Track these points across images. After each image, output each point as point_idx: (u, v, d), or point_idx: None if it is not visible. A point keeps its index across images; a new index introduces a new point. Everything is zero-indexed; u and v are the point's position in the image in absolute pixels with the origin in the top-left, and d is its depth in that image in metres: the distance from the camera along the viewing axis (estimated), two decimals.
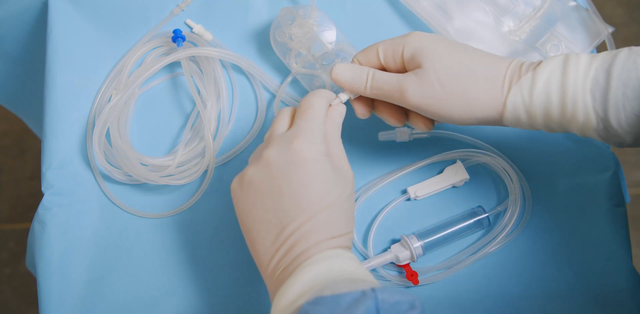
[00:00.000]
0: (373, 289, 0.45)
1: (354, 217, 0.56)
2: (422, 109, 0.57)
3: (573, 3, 0.71)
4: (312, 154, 0.54)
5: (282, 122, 0.58)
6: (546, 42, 0.70)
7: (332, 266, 0.51)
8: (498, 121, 0.56)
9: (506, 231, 0.67)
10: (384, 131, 0.69)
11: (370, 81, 0.58)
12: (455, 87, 0.55)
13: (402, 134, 0.69)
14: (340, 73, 0.59)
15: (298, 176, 0.53)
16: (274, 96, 0.72)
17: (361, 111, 0.62)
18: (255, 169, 0.55)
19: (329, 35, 0.69)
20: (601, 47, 0.71)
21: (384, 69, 0.59)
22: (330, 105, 0.59)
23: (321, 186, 0.53)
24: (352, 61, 0.61)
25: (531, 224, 0.68)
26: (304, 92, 0.72)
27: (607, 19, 0.70)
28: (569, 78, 0.52)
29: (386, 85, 0.57)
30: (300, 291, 0.49)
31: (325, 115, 0.58)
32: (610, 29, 0.70)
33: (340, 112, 0.59)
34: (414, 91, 0.56)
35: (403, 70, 0.58)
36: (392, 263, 0.67)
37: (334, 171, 0.55)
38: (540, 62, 0.54)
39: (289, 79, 0.71)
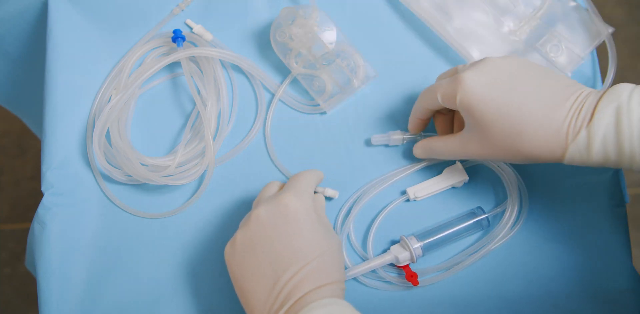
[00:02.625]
0: None
1: (344, 269, 0.59)
2: (483, 159, 0.64)
3: (573, 3, 0.71)
4: (300, 205, 0.58)
5: (270, 189, 0.63)
6: (546, 43, 0.70)
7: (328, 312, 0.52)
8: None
9: (505, 231, 0.67)
10: (377, 135, 0.69)
11: (440, 153, 0.65)
12: (514, 150, 0.57)
13: (395, 140, 0.69)
14: (418, 154, 0.68)
15: (289, 227, 0.57)
16: (273, 96, 0.72)
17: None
18: (246, 229, 0.58)
19: (330, 36, 0.69)
20: (601, 47, 0.71)
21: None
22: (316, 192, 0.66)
23: (312, 235, 0.57)
24: (415, 109, 0.66)
25: (531, 225, 0.68)
26: (304, 92, 0.72)
27: (607, 19, 0.70)
28: (624, 137, 0.52)
29: (452, 152, 0.63)
30: None
31: (314, 182, 0.63)
32: (610, 30, 0.70)
33: (321, 198, 0.65)
34: (475, 152, 0.60)
35: None
36: (391, 264, 0.67)
37: (322, 224, 0.59)
38: (592, 115, 0.54)
39: (289, 79, 0.71)
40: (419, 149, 0.67)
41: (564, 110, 0.55)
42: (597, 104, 0.54)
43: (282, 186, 0.63)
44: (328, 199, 0.69)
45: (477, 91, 0.57)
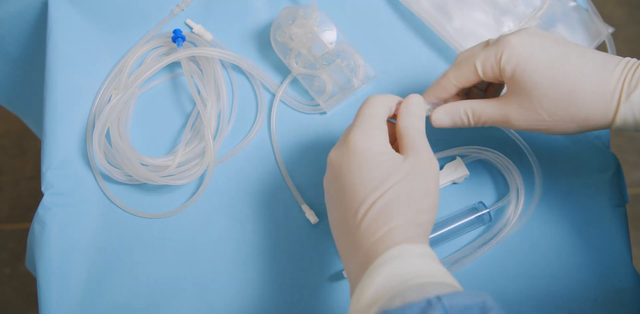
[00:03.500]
0: (439, 298, 0.43)
1: (428, 210, 0.53)
2: (526, 130, 0.58)
3: (573, 3, 0.71)
4: (364, 144, 0.53)
5: (373, 109, 0.56)
6: None
7: (402, 267, 0.48)
8: (602, 129, 0.56)
9: (510, 225, 0.67)
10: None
11: (471, 118, 0.59)
12: (563, 115, 0.55)
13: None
14: (439, 122, 0.59)
15: (357, 169, 0.53)
16: (274, 96, 0.72)
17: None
18: (327, 169, 0.56)
19: (330, 36, 0.69)
20: (601, 47, 0.71)
21: (482, 81, 0.59)
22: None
23: (378, 174, 0.52)
24: (444, 79, 0.59)
25: (531, 224, 0.68)
26: (304, 92, 0.72)
27: (607, 19, 0.70)
28: None
29: (489, 118, 0.58)
30: (372, 299, 0.47)
31: (385, 109, 0.56)
32: (610, 30, 0.70)
33: (415, 102, 0.57)
34: (518, 120, 0.56)
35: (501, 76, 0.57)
36: None
37: (396, 160, 0.53)
38: None
39: (289, 79, 0.71)
40: (443, 114, 0.59)
41: (616, 73, 0.53)
42: None
43: (391, 102, 0.57)
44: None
45: (528, 52, 0.54)
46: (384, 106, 0.56)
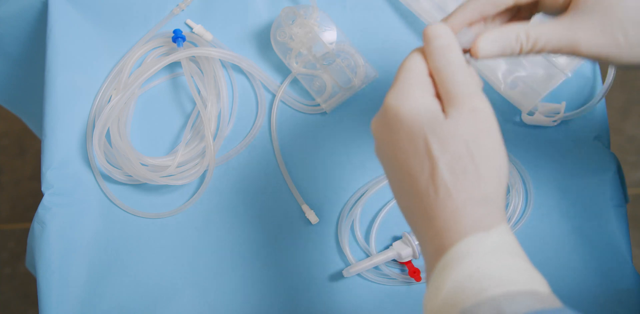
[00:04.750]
0: None
1: (493, 175, 0.43)
2: (595, 58, 0.48)
3: None
4: (399, 107, 0.44)
5: (410, 68, 0.46)
6: None
7: (471, 272, 0.41)
8: None
9: (510, 225, 0.66)
10: None
11: (529, 44, 0.47)
12: None
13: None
14: (486, 52, 0.47)
15: (396, 138, 0.45)
16: (274, 96, 0.72)
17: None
18: (375, 139, 0.48)
19: (330, 36, 0.69)
20: None
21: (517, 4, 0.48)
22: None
23: (419, 142, 0.44)
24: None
25: (531, 224, 0.68)
26: (304, 93, 0.72)
27: None
28: None
29: (549, 42, 0.47)
30: (445, 304, 0.41)
31: (420, 74, 0.46)
32: None
33: (436, 34, 0.45)
34: (589, 45, 0.46)
35: None
36: (394, 260, 0.67)
37: (439, 120, 0.44)
38: None
39: (289, 79, 0.71)
40: (490, 41, 0.46)
41: None
42: None
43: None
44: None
45: None
46: (421, 57, 0.46)
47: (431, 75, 0.46)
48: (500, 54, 0.47)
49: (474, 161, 0.43)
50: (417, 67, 0.45)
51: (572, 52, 0.47)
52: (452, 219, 0.43)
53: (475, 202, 0.43)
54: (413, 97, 0.44)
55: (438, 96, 0.46)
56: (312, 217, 0.68)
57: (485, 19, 0.50)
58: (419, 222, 0.45)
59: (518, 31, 0.46)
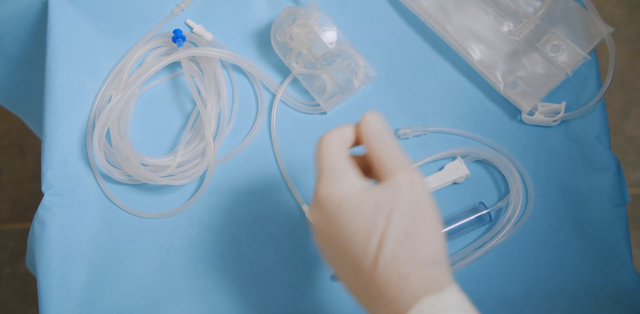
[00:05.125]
0: None
1: (434, 238, 0.46)
2: None
3: (573, 3, 0.71)
4: (334, 198, 0.47)
5: (331, 159, 0.50)
6: (546, 43, 0.70)
7: None
8: None
9: (510, 225, 0.67)
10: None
11: None
12: None
13: (405, 134, 0.69)
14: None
15: (334, 225, 0.47)
16: (274, 96, 0.72)
17: None
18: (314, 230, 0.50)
19: (330, 36, 0.69)
20: (601, 48, 0.71)
21: None
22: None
23: (360, 222, 0.46)
24: None
25: (531, 225, 0.68)
26: (304, 92, 0.72)
27: (607, 19, 0.70)
28: None
29: None
30: None
31: (339, 144, 0.50)
32: (610, 30, 0.70)
33: (370, 120, 0.50)
34: None
35: None
36: None
37: (375, 196, 0.47)
38: None
39: (289, 79, 0.71)
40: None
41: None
42: None
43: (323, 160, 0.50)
44: None
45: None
46: (336, 142, 0.50)
47: (353, 157, 0.51)
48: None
49: (418, 227, 0.46)
50: (336, 152, 0.49)
51: None
52: (404, 285, 0.45)
53: (424, 265, 0.45)
54: (345, 182, 0.48)
55: (365, 174, 0.50)
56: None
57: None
58: (370, 294, 0.46)
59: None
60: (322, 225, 0.49)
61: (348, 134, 0.50)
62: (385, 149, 0.49)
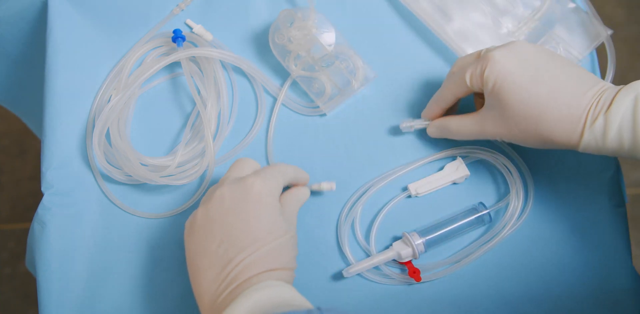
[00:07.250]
0: (319, 308, 0.47)
1: (295, 260, 0.58)
2: (499, 138, 0.62)
3: (572, 5, 0.71)
4: (265, 189, 0.57)
5: (241, 168, 0.61)
6: (545, 44, 0.70)
7: (275, 292, 0.52)
8: (571, 148, 0.59)
9: (509, 225, 0.67)
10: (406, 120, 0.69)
11: (455, 132, 0.65)
12: (532, 131, 0.58)
13: (406, 128, 0.69)
14: (433, 135, 0.68)
15: (250, 209, 0.56)
16: (273, 97, 0.72)
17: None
18: (207, 207, 0.58)
19: (328, 38, 0.69)
20: (601, 48, 0.71)
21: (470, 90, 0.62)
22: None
23: (271, 220, 0.56)
24: (444, 90, 0.64)
25: (531, 225, 0.68)
26: (303, 94, 0.72)
27: (606, 19, 0.70)
28: None
29: (468, 132, 0.63)
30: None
31: (290, 175, 0.62)
32: (609, 32, 0.70)
33: (305, 193, 0.64)
34: (493, 134, 0.61)
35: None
36: (394, 260, 0.67)
37: (285, 213, 0.59)
38: (612, 102, 0.55)
39: (289, 81, 0.71)
40: (433, 128, 0.67)
41: (585, 99, 0.56)
42: (616, 94, 0.55)
43: (255, 168, 0.62)
44: (317, 193, 0.68)
45: (506, 69, 0.58)
46: (290, 169, 0.62)
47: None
48: (441, 135, 0.67)
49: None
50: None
51: (484, 138, 0.63)
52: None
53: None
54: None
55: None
56: (326, 185, 0.67)
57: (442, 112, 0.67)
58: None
59: (448, 124, 0.65)
60: (226, 209, 0.58)
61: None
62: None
